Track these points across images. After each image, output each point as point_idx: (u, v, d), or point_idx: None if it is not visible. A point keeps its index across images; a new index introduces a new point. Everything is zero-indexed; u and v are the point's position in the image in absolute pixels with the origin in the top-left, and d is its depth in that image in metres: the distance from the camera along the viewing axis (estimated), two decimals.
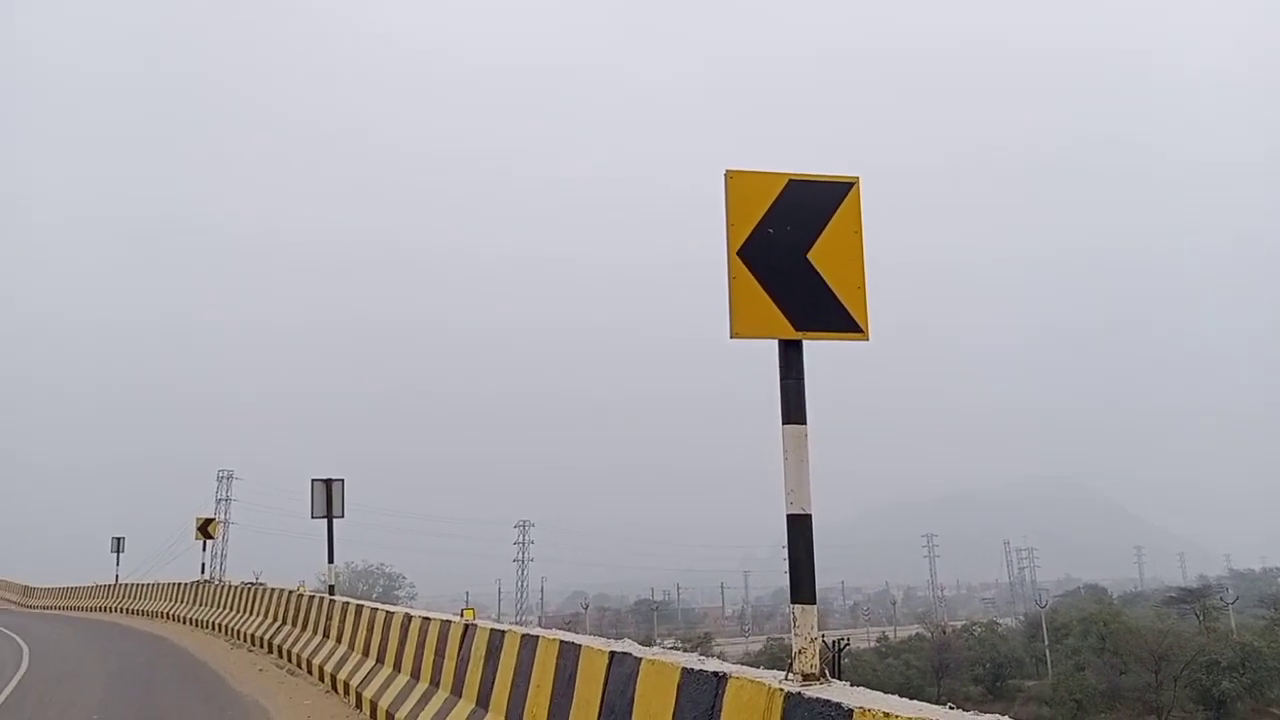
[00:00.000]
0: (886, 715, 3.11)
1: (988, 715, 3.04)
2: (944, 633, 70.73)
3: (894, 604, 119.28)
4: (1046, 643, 61.06)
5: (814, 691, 3.68)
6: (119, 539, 42.27)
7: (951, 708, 3.19)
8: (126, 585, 40.08)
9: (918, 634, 76.08)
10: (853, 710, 3.28)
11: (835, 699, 3.46)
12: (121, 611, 36.71)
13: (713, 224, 4.76)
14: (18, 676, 17.37)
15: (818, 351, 4.73)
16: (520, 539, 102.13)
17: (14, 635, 27.44)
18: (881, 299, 4.84)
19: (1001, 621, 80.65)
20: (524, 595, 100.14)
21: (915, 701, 3.39)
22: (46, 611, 44.20)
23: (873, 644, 73.55)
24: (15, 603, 52.15)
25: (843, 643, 36.78)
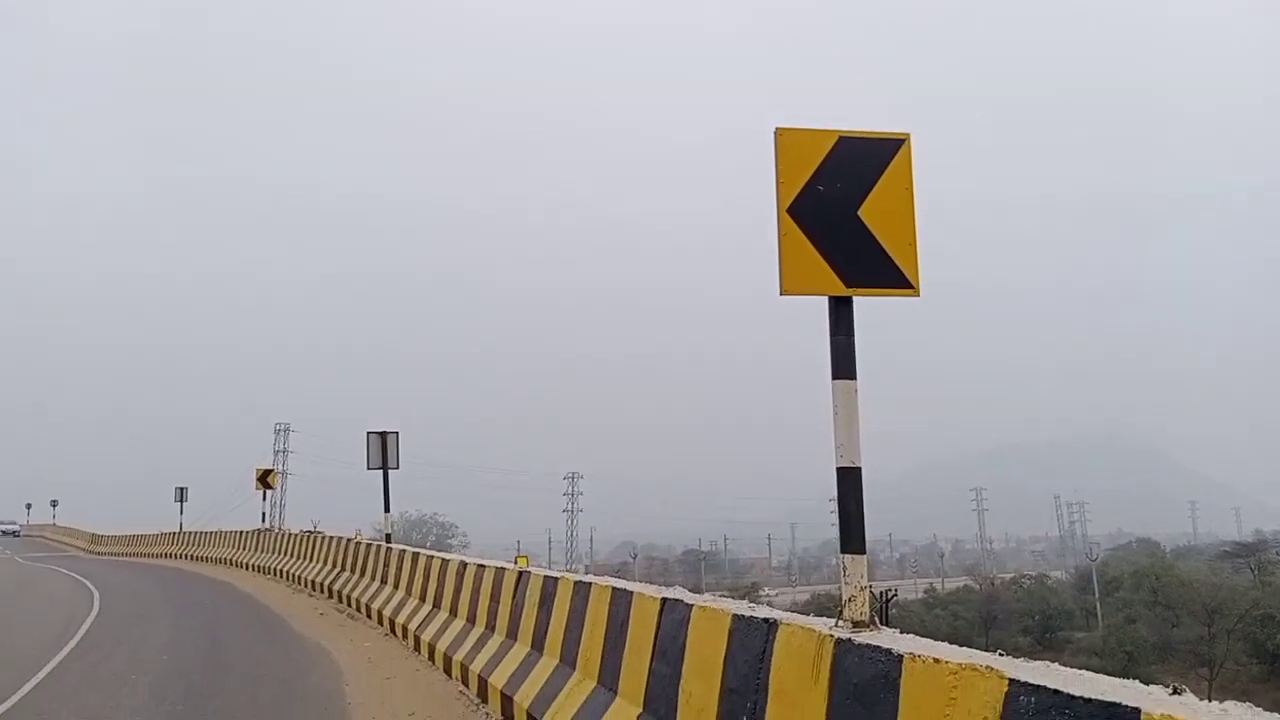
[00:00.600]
0: (936, 660, 3.19)
1: (1037, 662, 3.11)
2: (992, 585, 70.63)
3: (942, 556, 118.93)
4: (1097, 595, 60.73)
5: (864, 638, 3.78)
6: (182, 489, 43.52)
7: (1001, 655, 3.27)
8: (190, 533, 41.33)
9: (966, 586, 76.04)
10: (903, 656, 3.38)
11: (885, 645, 3.55)
12: (186, 558, 37.91)
13: (762, 181, 4.79)
14: (89, 620, 18.11)
15: (864, 304, 4.76)
16: (569, 490, 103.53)
17: (84, 580, 28.52)
18: (929, 250, 4.85)
19: (1051, 574, 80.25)
20: (573, 544, 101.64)
21: (965, 648, 3.48)
22: (113, 558, 45.75)
23: (920, 595, 73.67)
24: (83, 550, 54.00)
25: (890, 593, 36.92)
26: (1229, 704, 2.56)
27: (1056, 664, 3.10)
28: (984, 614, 58.69)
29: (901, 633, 4.05)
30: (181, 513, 43.14)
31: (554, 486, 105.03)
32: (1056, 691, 2.67)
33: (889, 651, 3.47)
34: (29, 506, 79.94)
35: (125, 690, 11.11)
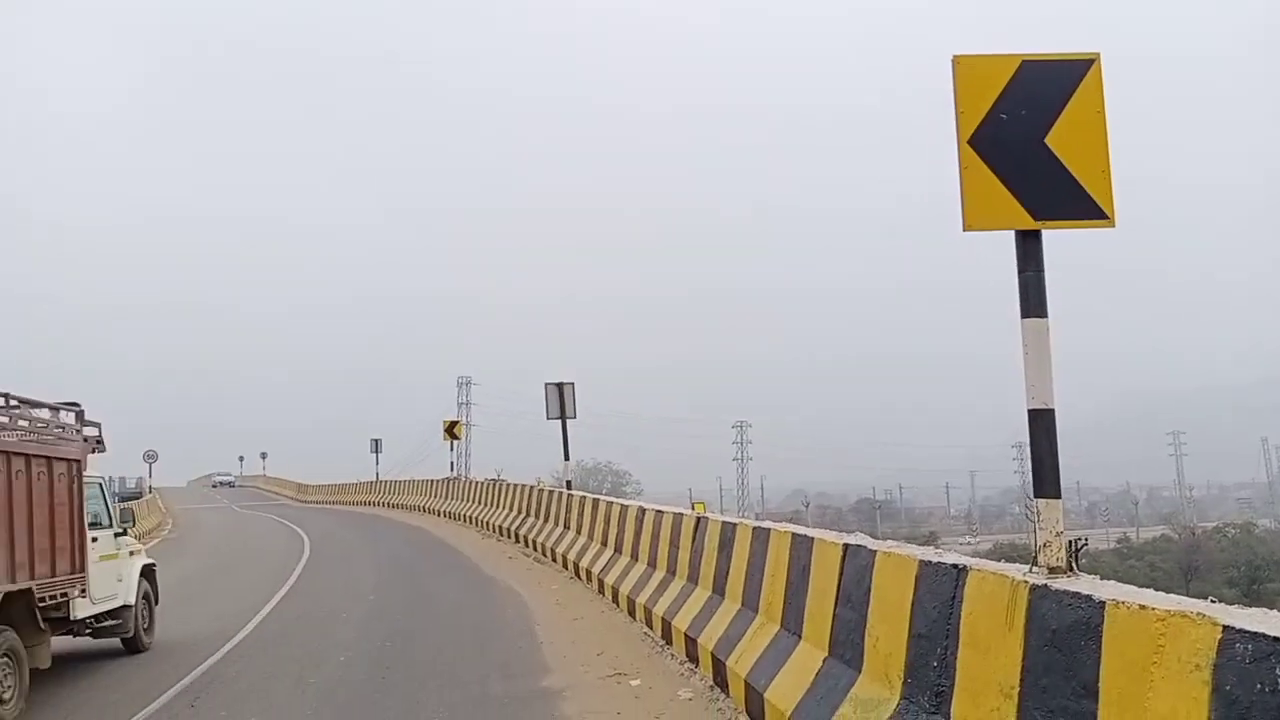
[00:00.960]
0: (1142, 607, 3.06)
1: (1252, 609, 2.95)
2: (1193, 534, 66.68)
3: (1136, 504, 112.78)
4: None
5: (1061, 584, 3.66)
6: (377, 440, 46.32)
7: (1213, 602, 3.11)
8: (385, 482, 43.99)
9: (1163, 535, 72.14)
10: (1105, 602, 3.25)
11: (1085, 591, 3.43)
12: (382, 505, 40.39)
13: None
14: (301, 563, 19.65)
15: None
16: (738, 439, 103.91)
17: (295, 527, 30.91)
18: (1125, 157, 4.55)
19: (1259, 523, 74.89)
20: (744, 493, 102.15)
21: (1172, 595, 3.33)
22: (318, 506, 49.22)
23: (1112, 545, 70.33)
24: (291, 498, 58.32)
25: (1080, 542, 35.41)
26: None
27: (1275, 611, 2.93)
28: (1184, 564, 55.53)
29: (1102, 579, 3.91)
30: (377, 463, 45.96)
31: (724, 434, 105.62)
32: (1276, 639, 2.53)
33: (1089, 598, 3.36)
34: (241, 459, 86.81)
35: (337, 627, 12.05)
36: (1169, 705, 2.84)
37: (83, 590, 9.66)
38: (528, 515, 20.39)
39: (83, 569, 9.63)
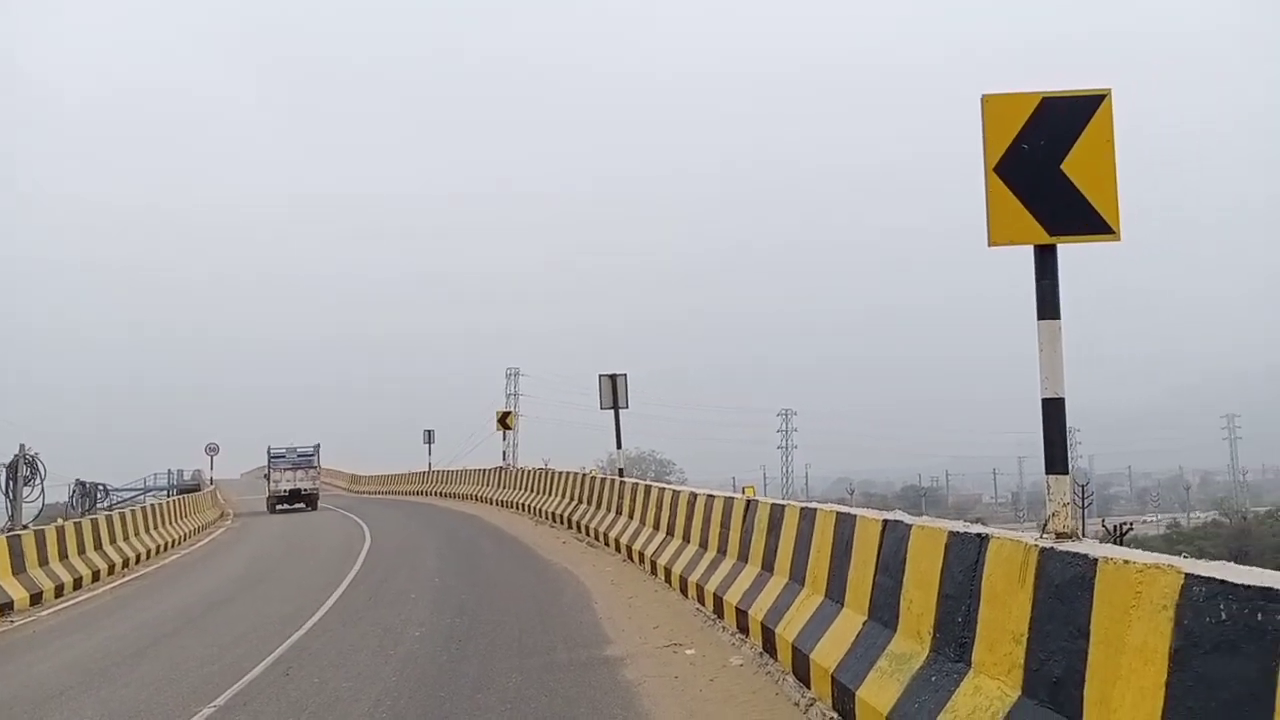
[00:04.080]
0: (1126, 562, 3.72)
1: (1214, 561, 3.57)
2: (1244, 518, 66.09)
3: (1187, 489, 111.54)
4: None
5: (1065, 546, 4.32)
6: (429, 431, 47.44)
7: (1185, 556, 3.74)
8: (437, 471, 45.11)
9: (1214, 520, 71.56)
10: (1097, 559, 3.91)
11: (1083, 551, 4.09)
12: (435, 495, 41.47)
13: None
14: (364, 552, 20.53)
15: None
16: (783, 427, 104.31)
17: (353, 516, 32.01)
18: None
19: None
20: (789, 481, 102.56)
21: (1154, 554, 3.97)
22: (371, 496, 50.49)
23: (1163, 531, 69.90)
24: (344, 489, 59.81)
25: (1125, 527, 35.76)
26: None
27: (1234, 564, 3.56)
28: (1234, 549, 55.07)
29: (1100, 541, 4.56)
30: (430, 453, 47.09)
31: (768, 424, 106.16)
32: (1223, 581, 3.17)
33: (1085, 556, 4.02)
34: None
35: (408, 607, 12.86)
36: (1141, 638, 3.50)
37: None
38: (580, 502, 21.16)
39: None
